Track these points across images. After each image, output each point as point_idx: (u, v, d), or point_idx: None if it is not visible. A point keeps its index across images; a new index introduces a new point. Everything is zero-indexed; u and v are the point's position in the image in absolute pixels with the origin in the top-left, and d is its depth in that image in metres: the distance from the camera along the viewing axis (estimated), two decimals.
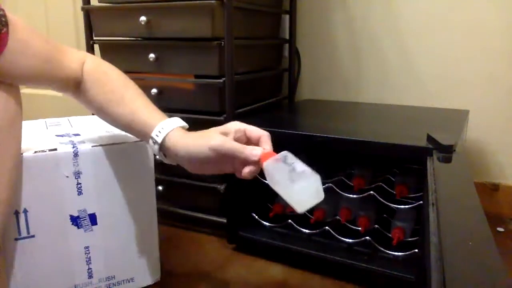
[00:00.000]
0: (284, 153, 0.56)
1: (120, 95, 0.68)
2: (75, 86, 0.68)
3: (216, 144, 0.58)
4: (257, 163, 0.57)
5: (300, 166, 0.53)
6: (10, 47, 0.56)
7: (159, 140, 0.62)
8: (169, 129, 0.63)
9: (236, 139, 0.60)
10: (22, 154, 0.66)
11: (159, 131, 0.63)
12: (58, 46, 0.66)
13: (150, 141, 0.64)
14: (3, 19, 0.55)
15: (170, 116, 0.66)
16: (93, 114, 0.73)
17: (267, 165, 0.55)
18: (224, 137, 0.59)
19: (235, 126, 0.61)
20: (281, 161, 0.55)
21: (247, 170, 0.57)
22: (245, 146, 0.58)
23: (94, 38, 1.18)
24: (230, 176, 0.97)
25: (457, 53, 1.21)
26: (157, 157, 0.66)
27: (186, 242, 1.06)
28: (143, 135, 0.66)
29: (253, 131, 0.61)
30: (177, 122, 0.65)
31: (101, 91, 0.68)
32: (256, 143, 0.60)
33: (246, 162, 0.57)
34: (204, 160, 0.59)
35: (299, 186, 0.51)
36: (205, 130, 0.63)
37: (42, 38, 0.63)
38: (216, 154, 0.58)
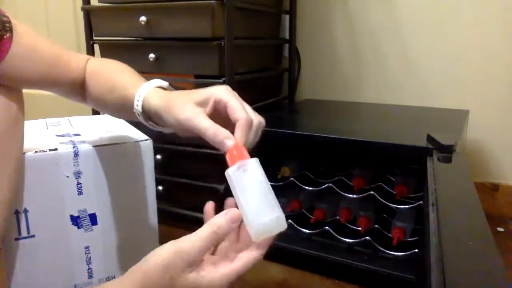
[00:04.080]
0: (254, 161, 0.50)
1: (114, 81, 0.65)
2: (80, 89, 0.68)
3: (183, 117, 0.51)
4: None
5: (269, 188, 0.48)
6: (15, 52, 0.56)
7: (139, 107, 0.57)
8: (144, 93, 0.57)
9: (215, 111, 0.52)
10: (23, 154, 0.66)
11: (138, 99, 0.57)
12: (64, 50, 0.66)
13: (136, 114, 0.59)
14: (7, 25, 0.55)
15: None
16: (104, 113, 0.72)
17: (232, 174, 0.48)
18: (196, 110, 0.51)
19: (217, 94, 0.52)
20: (249, 172, 0.48)
21: None
22: (215, 127, 0.49)
23: (94, 38, 1.18)
24: None
25: (457, 53, 1.21)
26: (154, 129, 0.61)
27: None
28: (131, 110, 0.59)
29: (234, 109, 0.52)
30: (153, 82, 0.59)
31: (98, 82, 0.67)
32: (233, 125, 0.51)
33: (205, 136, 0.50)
34: (179, 127, 0.53)
35: (268, 218, 0.47)
36: (188, 91, 0.55)
37: (48, 43, 0.63)
38: (183, 127, 0.51)
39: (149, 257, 0.47)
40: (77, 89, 0.68)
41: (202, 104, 0.52)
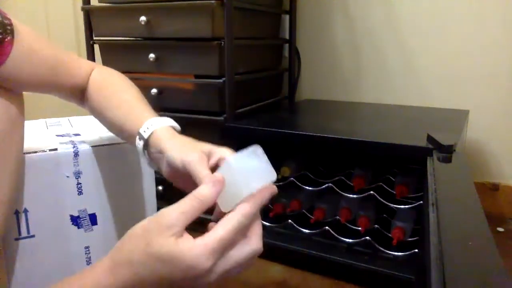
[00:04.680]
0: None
1: (118, 99, 0.66)
2: (81, 94, 0.68)
3: (187, 160, 0.51)
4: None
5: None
6: (16, 55, 0.55)
7: (146, 135, 0.57)
8: (157, 126, 0.58)
9: (215, 165, 0.52)
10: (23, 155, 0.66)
11: (148, 127, 0.58)
12: (67, 56, 0.66)
13: (137, 139, 0.59)
14: (8, 28, 0.54)
15: (171, 118, 0.63)
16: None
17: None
18: (203, 157, 0.51)
19: (223, 152, 0.52)
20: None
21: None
22: (212, 178, 0.46)
23: (94, 38, 1.18)
24: None
25: (457, 53, 1.21)
26: (142, 159, 0.60)
27: None
28: (132, 134, 0.60)
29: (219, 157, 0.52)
30: (168, 121, 0.60)
31: (101, 96, 0.67)
32: None
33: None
34: (175, 169, 0.53)
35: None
36: (196, 141, 0.57)
37: (50, 47, 0.62)
38: (184, 171, 0.51)
39: (131, 228, 0.44)
40: (77, 94, 0.68)
41: (207, 155, 0.53)
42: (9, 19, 0.55)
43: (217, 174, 0.46)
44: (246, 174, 0.45)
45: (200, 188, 0.45)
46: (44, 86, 0.63)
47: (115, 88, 0.68)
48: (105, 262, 0.45)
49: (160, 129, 0.58)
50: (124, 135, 0.64)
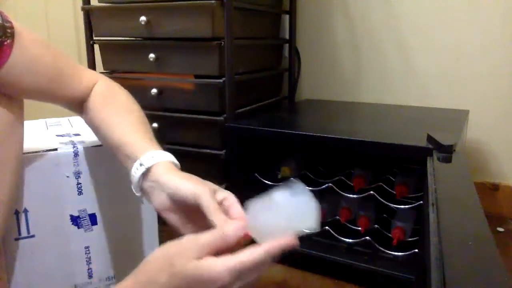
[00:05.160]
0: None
1: (121, 118, 0.65)
2: (80, 105, 0.67)
3: (199, 190, 0.51)
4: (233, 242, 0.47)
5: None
6: (15, 60, 0.55)
7: (147, 164, 0.56)
8: (162, 158, 0.57)
9: (220, 203, 0.53)
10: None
11: (152, 156, 0.57)
12: (70, 66, 0.64)
13: (135, 165, 0.57)
14: (9, 31, 0.54)
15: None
16: None
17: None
18: (210, 190, 0.52)
19: (227, 196, 0.54)
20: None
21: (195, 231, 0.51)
22: (224, 217, 0.49)
23: (94, 38, 1.18)
24: (230, 177, 0.97)
25: (457, 53, 1.21)
26: (133, 189, 0.59)
27: None
28: (130, 158, 0.59)
29: (234, 208, 0.53)
30: (170, 156, 0.59)
31: (103, 112, 0.65)
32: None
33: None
34: (179, 201, 0.53)
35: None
36: (193, 176, 0.56)
37: (53, 55, 0.61)
38: (192, 202, 0.51)
39: (151, 253, 0.46)
40: (76, 105, 0.67)
41: (213, 191, 0.54)
42: (10, 22, 0.54)
43: (252, 212, 0.48)
44: (288, 217, 0.46)
45: (228, 226, 0.46)
46: (43, 95, 0.62)
47: (119, 106, 0.66)
48: (128, 283, 0.46)
49: (164, 162, 0.57)
50: (120, 155, 0.62)
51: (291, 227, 0.46)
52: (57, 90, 0.63)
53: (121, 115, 0.65)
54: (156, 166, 0.56)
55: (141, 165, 0.56)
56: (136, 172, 0.57)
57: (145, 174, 0.56)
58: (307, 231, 0.47)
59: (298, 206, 0.47)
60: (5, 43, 0.53)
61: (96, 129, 0.67)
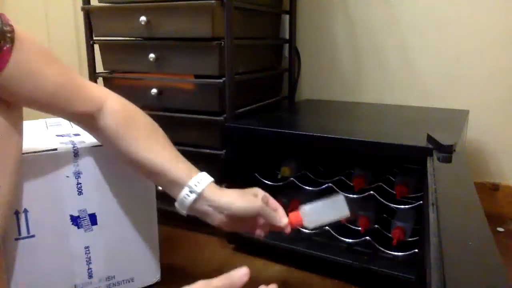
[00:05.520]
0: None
1: (153, 141, 0.68)
2: (85, 122, 0.67)
3: (259, 206, 0.66)
4: (285, 227, 0.69)
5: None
6: (14, 66, 0.53)
7: (199, 189, 0.65)
8: (208, 181, 0.66)
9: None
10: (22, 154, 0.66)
11: (198, 182, 0.65)
12: (76, 80, 0.63)
13: (184, 191, 0.65)
14: (8, 35, 0.52)
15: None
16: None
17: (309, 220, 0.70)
18: (263, 201, 0.68)
19: (261, 192, 0.70)
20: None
21: (265, 231, 0.70)
22: (276, 214, 0.69)
23: (94, 38, 1.18)
24: (230, 177, 0.97)
25: (457, 53, 1.21)
26: (179, 208, 0.68)
27: (186, 242, 1.06)
28: (175, 184, 0.66)
29: (272, 203, 0.71)
30: (208, 176, 0.68)
31: (129, 134, 0.66)
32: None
33: (274, 226, 0.69)
34: (243, 215, 0.66)
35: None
36: (236, 190, 0.68)
37: (57, 68, 0.60)
38: (255, 214, 0.66)
39: None
40: (84, 121, 0.66)
41: (255, 195, 0.69)
42: (10, 26, 0.53)
43: (304, 208, 0.71)
44: (329, 209, 0.71)
45: (235, 273, 0.55)
46: (45, 107, 0.61)
47: (145, 129, 0.69)
48: None
49: (210, 184, 0.66)
50: (161, 180, 0.68)
51: (332, 216, 0.71)
52: (60, 103, 0.61)
53: (151, 138, 0.68)
54: (206, 191, 0.65)
55: (191, 192, 0.65)
56: (187, 197, 0.65)
57: (201, 196, 0.65)
58: (343, 217, 0.71)
59: (334, 201, 0.70)
60: (4, 48, 0.52)
61: (121, 151, 0.67)
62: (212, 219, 0.67)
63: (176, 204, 0.67)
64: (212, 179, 0.67)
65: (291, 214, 0.70)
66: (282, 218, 0.68)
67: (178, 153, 0.69)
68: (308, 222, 0.69)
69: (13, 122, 0.59)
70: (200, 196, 0.65)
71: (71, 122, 0.71)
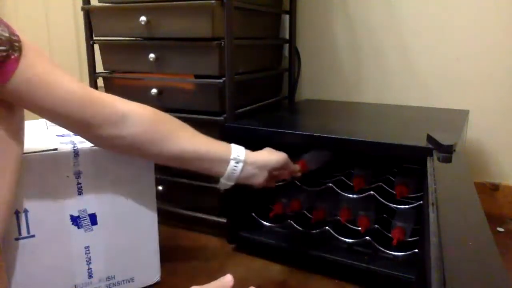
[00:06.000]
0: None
1: (184, 133, 0.72)
2: (103, 134, 0.65)
3: (286, 157, 0.81)
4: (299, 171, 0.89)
5: None
6: (22, 76, 0.53)
7: (242, 157, 0.75)
8: (243, 149, 0.77)
9: None
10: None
11: (238, 152, 0.75)
12: (88, 89, 0.62)
13: (231, 163, 0.74)
14: (16, 44, 0.52)
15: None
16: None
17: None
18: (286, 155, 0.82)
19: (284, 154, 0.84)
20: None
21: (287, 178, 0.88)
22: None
23: (94, 38, 1.18)
24: None
25: (457, 53, 1.21)
26: (225, 182, 0.76)
27: (186, 242, 1.06)
28: (218, 162, 0.74)
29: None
30: (238, 145, 0.78)
31: (161, 135, 0.69)
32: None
33: (292, 172, 0.86)
34: (279, 167, 0.80)
35: None
36: (262, 150, 0.81)
37: (68, 76, 0.59)
38: (284, 164, 0.81)
39: None
40: (98, 131, 0.65)
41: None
42: (17, 36, 0.53)
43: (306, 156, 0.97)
44: (319, 155, 1.00)
45: (225, 278, 0.62)
46: (56, 116, 0.60)
47: (175, 121, 0.72)
48: None
49: (246, 151, 0.77)
50: (203, 164, 0.74)
51: (325, 159, 1.00)
52: (74, 111, 0.60)
53: (182, 130, 0.72)
54: (248, 157, 0.76)
55: (237, 162, 0.74)
56: (235, 169, 0.74)
57: (246, 163, 0.75)
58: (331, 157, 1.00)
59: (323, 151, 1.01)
60: (12, 56, 0.52)
61: (155, 152, 0.70)
62: (256, 178, 0.77)
63: (223, 179, 0.76)
64: (241, 147, 0.77)
65: (299, 163, 0.90)
66: (296, 165, 0.86)
67: (203, 134, 0.75)
68: (310, 165, 0.93)
69: (16, 122, 0.59)
70: (245, 163, 0.75)
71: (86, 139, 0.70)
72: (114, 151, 0.72)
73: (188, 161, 0.73)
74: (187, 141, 0.72)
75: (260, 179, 0.78)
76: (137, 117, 0.66)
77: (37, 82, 0.56)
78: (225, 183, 0.76)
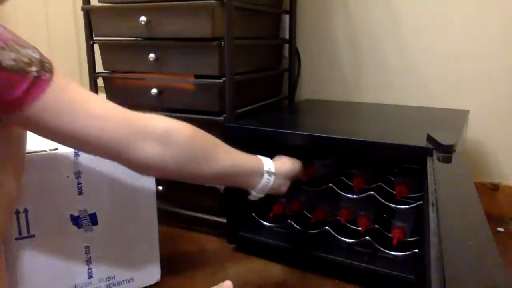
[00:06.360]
0: None
1: (220, 151, 0.70)
2: (140, 159, 0.60)
3: (301, 163, 0.87)
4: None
5: None
6: (53, 98, 0.51)
7: (273, 170, 0.77)
8: (271, 161, 0.79)
9: None
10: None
11: (268, 165, 0.77)
12: (117, 108, 0.58)
13: (265, 176, 0.76)
14: (47, 65, 0.52)
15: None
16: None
17: None
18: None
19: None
20: None
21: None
22: None
23: (94, 38, 1.18)
24: None
25: (457, 53, 1.21)
26: (257, 194, 0.78)
27: (186, 242, 1.06)
28: (251, 177, 0.75)
29: None
30: (265, 157, 0.80)
31: (200, 161, 0.66)
32: None
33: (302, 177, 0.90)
34: (298, 173, 0.85)
35: None
36: (280, 158, 0.84)
37: (101, 98, 0.57)
38: (300, 172, 0.87)
39: None
40: (129, 154, 0.59)
41: None
42: (48, 59, 0.53)
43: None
44: (330, 163, 1.01)
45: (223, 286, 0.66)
46: (87, 143, 0.56)
47: (208, 143, 0.69)
48: None
49: (273, 162, 0.79)
50: (237, 180, 0.74)
51: (333, 167, 1.01)
52: (111, 131, 0.56)
53: (217, 147, 0.70)
54: (277, 169, 0.78)
55: (270, 175, 0.77)
56: (268, 182, 0.77)
57: (276, 175, 0.78)
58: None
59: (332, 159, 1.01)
60: (43, 77, 0.51)
61: (194, 174, 0.66)
62: (283, 188, 0.81)
63: (255, 192, 0.78)
64: (267, 158, 0.80)
65: (309, 168, 0.95)
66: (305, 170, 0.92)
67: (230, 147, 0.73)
68: (319, 172, 0.97)
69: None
70: (276, 175, 0.77)
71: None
72: (152, 174, 0.68)
73: (227, 178, 0.73)
74: (226, 157, 0.70)
75: (285, 188, 0.81)
76: (180, 133, 0.62)
77: (69, 102, 0.53)
78: (256, 195, 0.78)
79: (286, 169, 0.81)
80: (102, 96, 0.59)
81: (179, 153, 0.62)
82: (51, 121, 0.52)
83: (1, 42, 0.47)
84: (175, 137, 0.61)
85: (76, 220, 0.74)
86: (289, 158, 0.85)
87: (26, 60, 0.49)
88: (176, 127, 0.62)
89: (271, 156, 0.90)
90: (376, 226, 0.93)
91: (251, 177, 0.75)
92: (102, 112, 0.55)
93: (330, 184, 0.95)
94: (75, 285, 0.76)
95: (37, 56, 0.51)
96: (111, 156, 0.59)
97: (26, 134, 0.62)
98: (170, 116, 0.63)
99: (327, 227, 0.94)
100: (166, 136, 0.60)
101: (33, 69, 0.49)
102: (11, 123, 0.55)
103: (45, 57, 0.53)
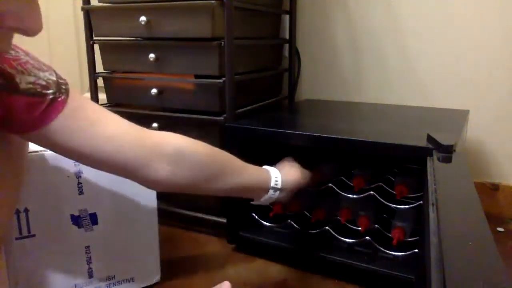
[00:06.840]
0: None
1: (228, 168, 0.71)
2: (150, 174, 0.61)
3: (310, 174, 0.88)
4: None
5: None
6: (68, 119, 0.53)
7: (279, 185, 0.78)
8: (279, 175, 0.79)
9: None
10: None
11: (276, 180, 0.78)
12: (143, 134, 0.60)
13: (270, 191, 0.77)
14: (63, 87, 0.53)
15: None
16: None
17: None
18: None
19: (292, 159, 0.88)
20: None
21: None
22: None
23: (94, 38, 1.18)
24: None
25: (457, 53, 1.21)
26: (259, 204, 0.80)
27: (186, 242, 1.06)
28: (257, 191, 0.77)
29: None
30: (274, 168, 0.81)
31: (207, 181, 0.68)
32: None
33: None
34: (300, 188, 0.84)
35: None
36: (289, 167, 0.84)
37: (116, 117, 0.58)
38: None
39: None
40: (144, 172, 0.61)
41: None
42: (64, 80, 0.54)
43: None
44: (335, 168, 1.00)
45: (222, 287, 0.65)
46: (102, 162, 0.58)
47: (216, 162, 0.70)
48: None
49: (281, 176, 0.79)
50: (243, 193, 0.76)
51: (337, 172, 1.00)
52: (126, 150, 0.58)
53: (223, 164, 0.71)
54: (284, 184, 0.79)
55: (275, 190, 0.78)
56: (273, 195, 0.78)
57: (281, 190, 0.79)
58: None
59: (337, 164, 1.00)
60: (59, 99, 0.53)
61: (203, 190, 0.69)
62: (286, 199, 0.81)
63: (257, 202, 0.80)
64: (277, 170, 0.80)
65: (315, 173, 0.92)
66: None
67: (237, 159, 0.74)
68: (323, 177, 0.95)
69: None
70: (281, 190, 0.78)
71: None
72: (164, 190, 0.67)
73: (235, 193, 0.75)
74: (234, 175, 0.72)
75: (288, 198, 0.82)
76: (192, 153, 0.65)
77: (85, 122, 0.55)
78: (258, 203, 0.81)
79: (292, 183, 0.81)
80: (115, 115, 0.59)
81: (190, 174, 0.65)
82: (66, 139, 0.54)
83: (19, 67, 0.49)
84: (187, 157, 0.64)
85: (76, 220, 0.74)
86: (299, 167, 0.85)
87: (43, 83, 0.51)
88: (188, 146, 0.65)
89: (276, 158, 0.91)
90: (376, 226, 0.93)
91: (256, 192, 0.78)
92: (117, 133, 0.57)
93: (330, 184, 0.95)
94: (75, 285, 0.76)
95: (54, 78, 0.53)
96: (124, 175, 0.62)
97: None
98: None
99: (327, 227, 0.94)
100: (177, 156, 0.62)
101: (50, 91, 0.52)
102: (27, 140, 0.57)
103: (62, 78, 0.54)
